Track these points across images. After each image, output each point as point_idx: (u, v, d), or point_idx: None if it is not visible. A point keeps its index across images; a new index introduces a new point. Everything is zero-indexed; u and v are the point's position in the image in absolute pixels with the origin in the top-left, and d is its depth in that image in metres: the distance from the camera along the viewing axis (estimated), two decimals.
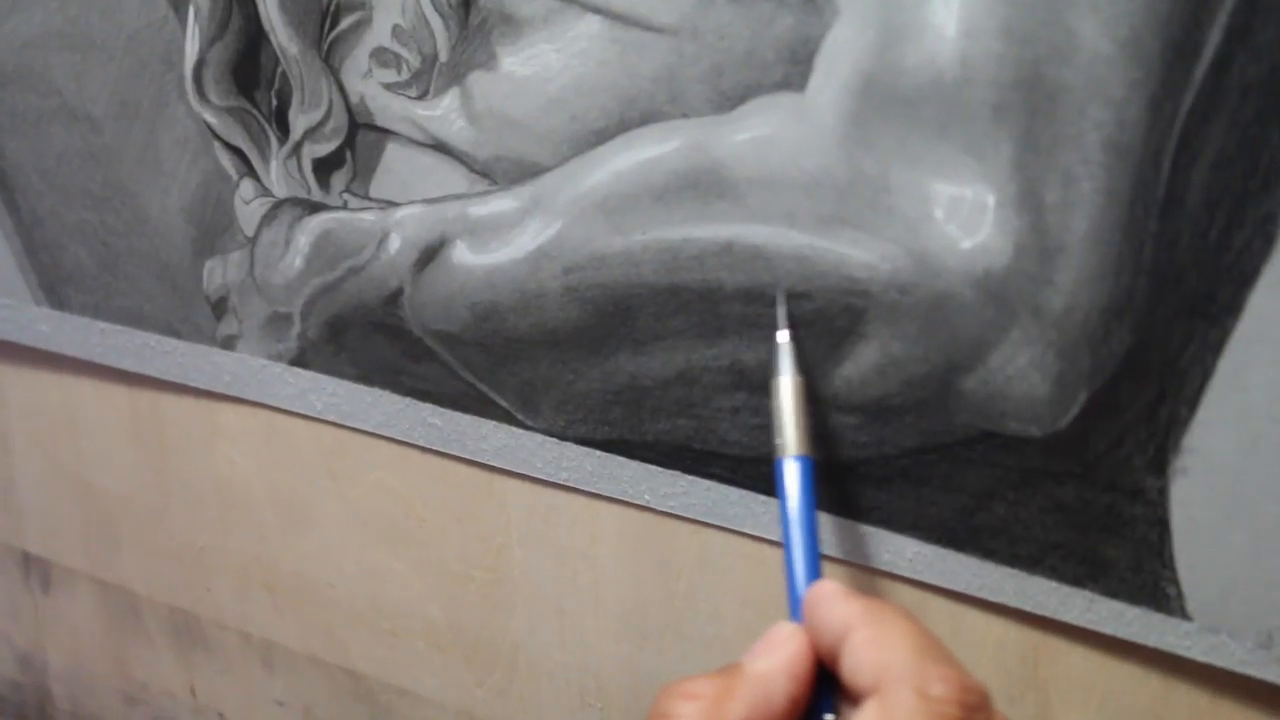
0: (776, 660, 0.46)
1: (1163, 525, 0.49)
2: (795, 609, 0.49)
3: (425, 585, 0.68)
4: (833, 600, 0.47)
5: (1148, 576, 0.50)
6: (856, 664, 0.44)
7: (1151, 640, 0.50)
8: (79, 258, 0.73)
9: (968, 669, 0.43)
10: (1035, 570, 0.52)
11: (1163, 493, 0.49)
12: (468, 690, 0.69)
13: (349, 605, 0.71)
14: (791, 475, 0.52)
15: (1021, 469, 0.51)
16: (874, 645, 0.44)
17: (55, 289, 0.75)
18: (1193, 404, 0.48)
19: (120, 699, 0.85)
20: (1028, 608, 0.53)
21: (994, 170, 0.48)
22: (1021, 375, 0.50)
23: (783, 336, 0.53)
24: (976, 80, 0.48)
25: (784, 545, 0.51)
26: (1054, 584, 0.52)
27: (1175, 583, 0.50)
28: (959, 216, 0.49)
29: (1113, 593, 0.51)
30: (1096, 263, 0.48)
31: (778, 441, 0.52)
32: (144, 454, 0.76)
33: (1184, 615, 0.50)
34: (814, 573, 0.50)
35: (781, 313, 0.53)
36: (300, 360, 0.67)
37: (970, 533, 0.53)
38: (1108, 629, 0.51)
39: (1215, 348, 0.47)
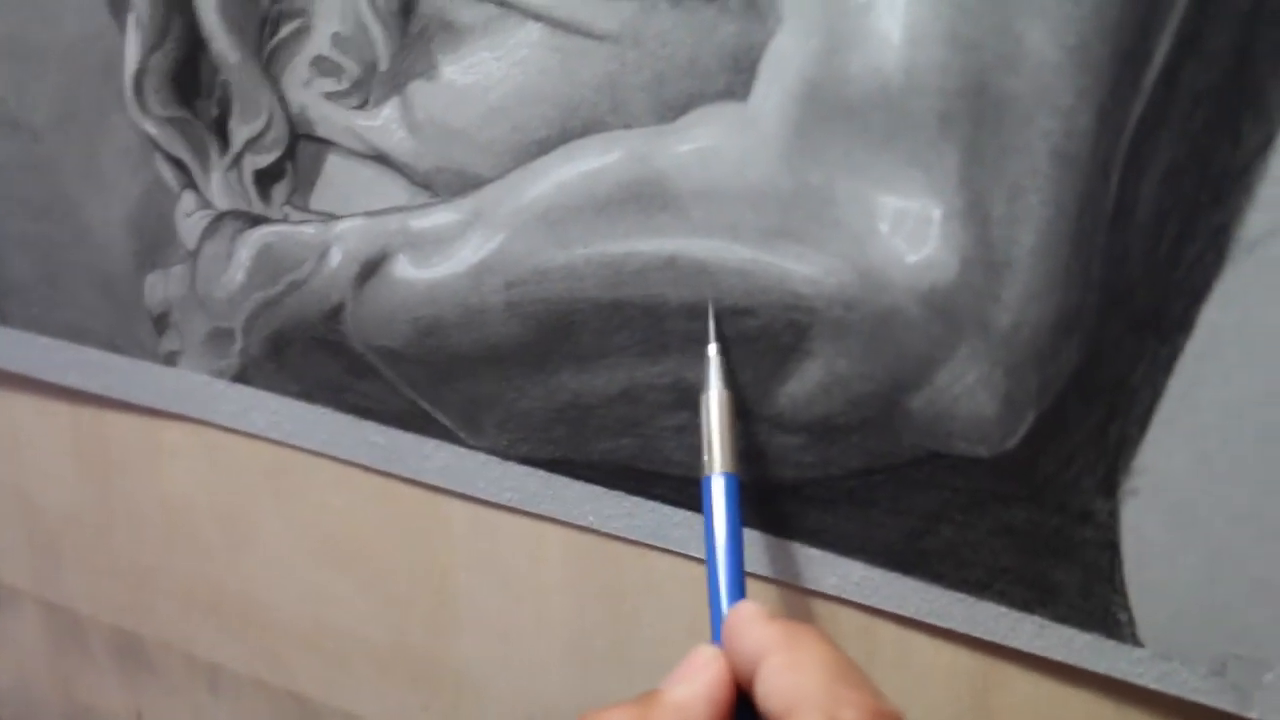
0: (696, 687, 0.44)
1: (1113, 548, 0.48)
2: (717, 631, 0.47)
3: (370, 607, 0.66)
4: (750, 623, 0.45)
5: (1098, 601, 0.48)
6: (769, 690, 0.42)
7: (1102, 667, 0.49)
8: (21, 270, 0.71)
9: (882, 694, 0.41)
10: (984, 595, 0.50)
11: (1113, 515, 0.47)
12: (413, 715, 0.67)
13: (294, 627, 0.69)
14: (717, 493, 0.50)
15: (970, 490, 0.50)
16: (787, 670, 0.42)
17: None
18: (1143, 423, 0.46)
19: None
20: (977, 633, 0.51)
21: (940, 182, 0.47)
22: (969, 394, 0.48)
23: (712, 350, 0.52)
24: (922, 88, 0.46)
25: (708, 566, 0.49)
26: (1003, 609, 0.50)
27: (1126, 608, 0.48)
28: (904, 230, 0.47)
29: (1062, 618, 0.49)
30: (1044, 277, 0.46)
31: (704, 459, 0.51)
32: (87, 471, 0.74)
33: (1135, 641, 0.48)
34: (736, 594, 0.48)
35: (711, 325, 0.52)
36: (242, 377, 0.65)
37: (918, 556, 0.51)
38: (1057, 655, 0.49)
39: (1166, 365, 0.45)
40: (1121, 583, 0.48)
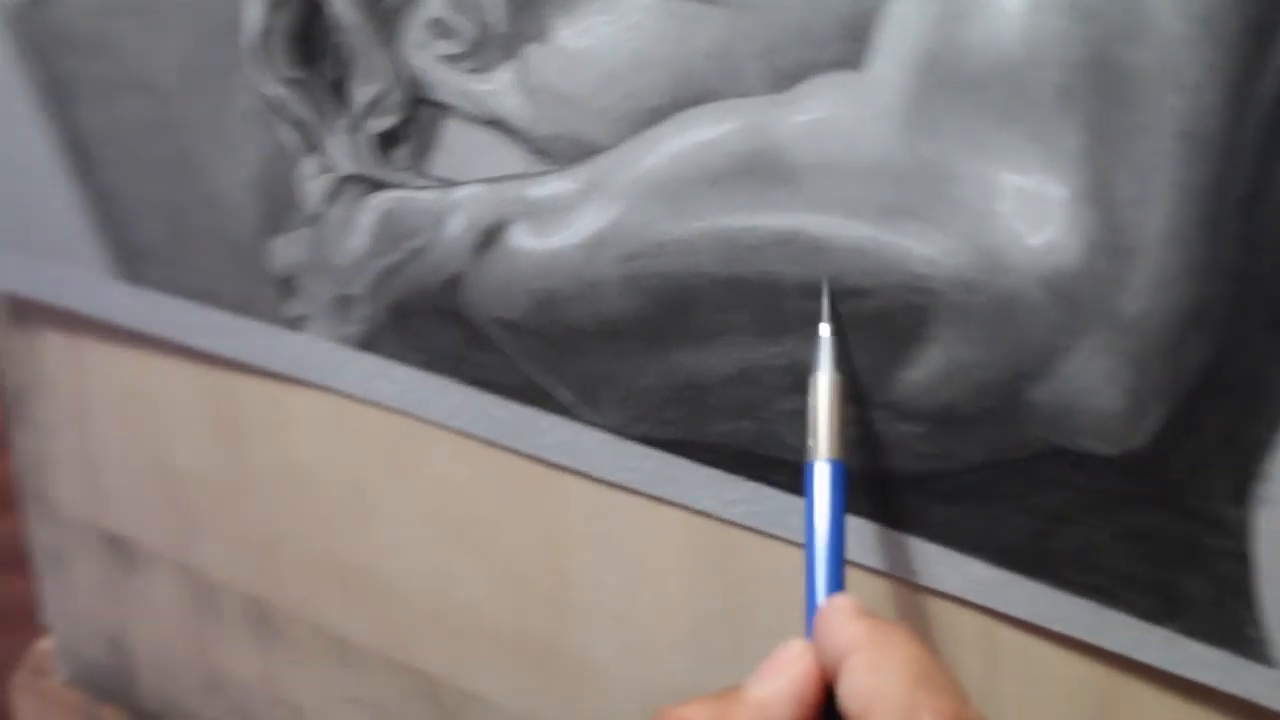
0: (780, 684, 0.45)
1: (1244, 560, 0.47)
2: (811, 625, 0.48)
3: (490, 586, 0.68)
4: (839, 618, 0.45)
5: (1229, 616, 0.48)
6: (850, 690, 0.43)
7: (1232, 687, 0.48)
8: (153, 232, 0.74)
9: (967, 700, 0.42)
10: (1111, 603, 0.50)
11: (1244, 524, 0.47)
12: (533, 698, 0.69)
13: (417, 602, 0.72)
14: (820, 480, 0.50)
15: (1096, 491, 0.49)
16: (869, 670, 0.43)
17: (131, 263, 0.76)
18: (1275, 426, 0.45)
19: (201, 687, 0.86)
20: (1103, 643, 0.51)
21: (1062, 160, 0.46)
22: (1094, 387, 0.48)
23: (824, 330, 0.52)
24: (1041, 60, 0.46)
25: (806, 555, 0.49)
26: (1130, 619, 0.50)
27: (1258, 624, 0.47)
28: (1025, 210, 0.47)
29: (1191, 632, 0.49)
30: (1173, 265, 0.45)
31: (809, 443, 0.51)
32: (220, 436, 0.77)
33: (1268, 661, 0.47)
34: (833, 587, 0.49)
35: (825, 304, 0.52)
36: (367, 344, 0.68)
37: (1042, 558, 0.51)
38: (1187, 671, 0.49)
39: None
40: (1253, 597, 0.47)
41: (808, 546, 0.50)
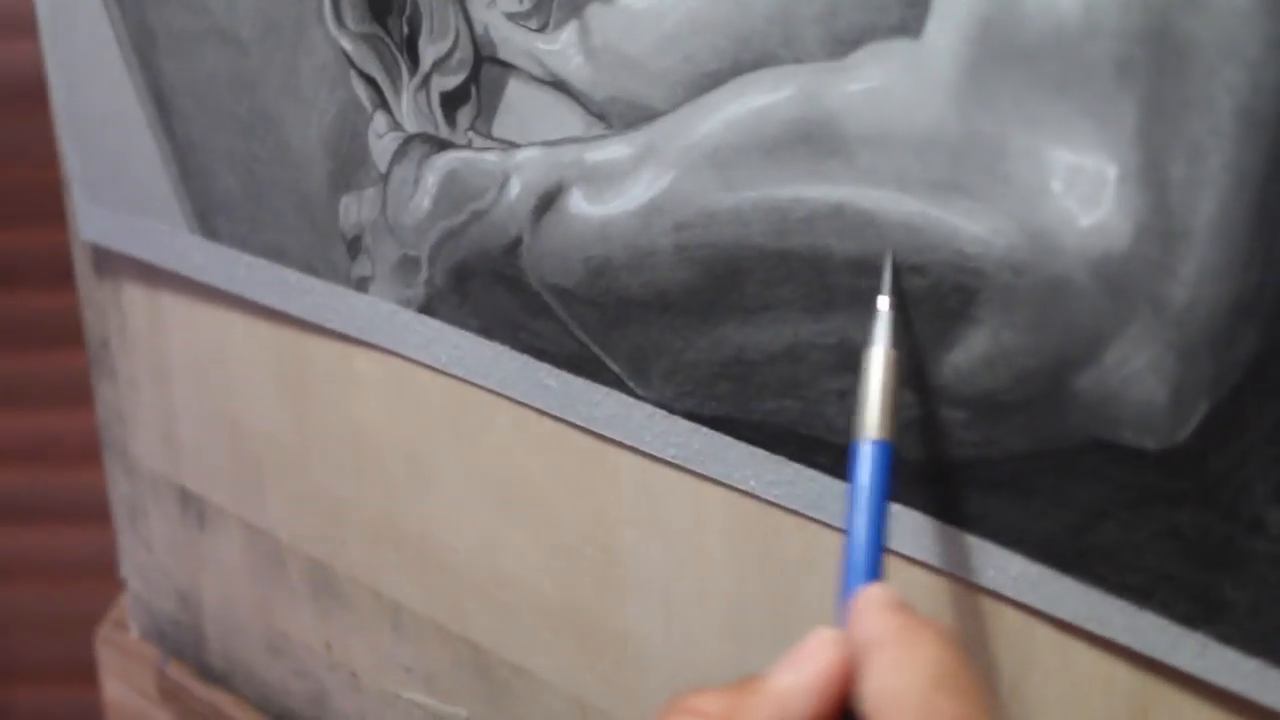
0: (803, 675, 0.44)
1: None
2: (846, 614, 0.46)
3: (540, 558, 0.68)
4: (872, 610, 0.44)
5: (1267, 624, 0.46)
6: (869, 686, 0.42)
7: (1268, 698, 0.46)
8: (228, 186, 0.75)
9: (987, 709, 0.40)
10: (1146, 604, 0.48)
11: None
12: (579, 675, 0.68)
13: (469, 572, 0.72)
14: (864, 461, 0.49)
15: (1136, 486, 0.47)
16: (889, 668, 0.42)
17: (207, 217, 0.77)
18: None
19: (265, 648, 0.87)
20: (1137, 646, 0.49)
21: (1116, 137, 0.45)
22: (1138, 378, 0.46)
23: (883, 302, 0.51)
24: (1099, 30, 0.44)
25: (846, 540, 0.48)
26: (1165, 622, 0.48)
27: None
28: (1078, 190, 0.46)
29: (1228, 638, 0.47)
30: (1224, 253, 0.44)
31: (856, 421, 0.50)
32: (287, 394, 0.78)
33: None
34: (870, 575, 0.48)
35: (887, 276, 0.51)
36: (427, 308, 0.68)
37: (1079, 554, 0.50)
38: (1221, 680, 0.47)
39: None
40: None
41: (848, 530, 0.49)
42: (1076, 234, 0.46)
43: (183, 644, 0.94)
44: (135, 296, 0.85)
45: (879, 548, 0.48)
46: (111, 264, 0.85)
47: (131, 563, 0.95)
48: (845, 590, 0.47)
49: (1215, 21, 0.42)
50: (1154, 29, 0.43)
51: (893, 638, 0.42)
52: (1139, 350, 0.46)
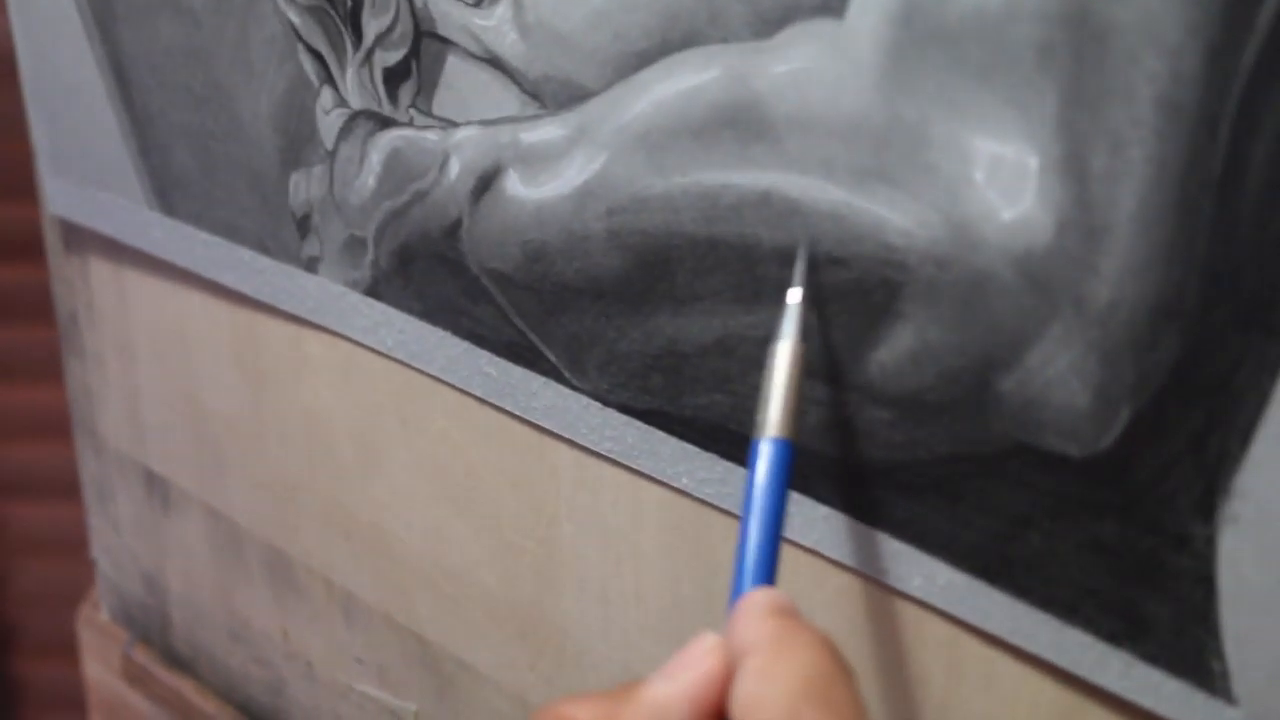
0: (680, 684, 0.42)
1: (1209, 583, 0.43)
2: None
3: (483, 550, 0.67)
4: (752, 614, 0.42)
5: (1190, 644, 0.44)
6: (737, 693, 0.40)
7: None
8: (184, 161, 0.74)
9: None
10: (1071, 619, 0.46)
11: (1210, 543, 0.43)
12: (521, 673, 0.67)
13: (416, 563, 0.70)
14: (762, 461, 0.47)
15: (1059, 494, 0.46)
16: (757, 676, 0.40)
17: (165, 193, 0.76)
18: (1245, 437, 0.41)
19: (226, 634, 0.86)
20: (1062, 663, 0.47)
21: (1037, 126, 0.43)
22: (1061, 380, 0.44)
23: (793, 295, 0.49)
24: (1020, 13, 0.42)
25: (739, 541, 0.47)
26: (1091, 639, 0.46)
27: (1220, 656, 0.43)
28: (1000, 180, 0.44)
29: (1152, 658, 0.45)
30: (1145, 249, 0.42)
31: (757, 418, 0.48)
32: (244, 376, 0.77)
33: (1228, 697, 0.43)
34: (762, 578, 0.46)
35: (799, 268, 0.49)
36: (373, 290, 0.66)
37: (1005, 565, 0.48)
38: (1145, 701, 0.45)
39: (1273, 367, 0.40)
40: (1216, 625, 0.43)
41: (740, 531, 0.47)
42: (999, 227, 0.44)
43: (150, 627, 0.93)
44: (102, 272, 0.84)
45: (772, 551, 0.46)
46: (79, 239, 0.84)
47: (101, 543, 0.95)
48: (734, 594, 0.46)
49: (1135, 6, 0.40)
50: (1074, 13, 0.41)
51: (765, 643, 0.41)
52: (1061, 351, 0.44)
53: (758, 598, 0.43)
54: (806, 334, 0.49)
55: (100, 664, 0.99)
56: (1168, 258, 0.41)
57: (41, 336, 1.47)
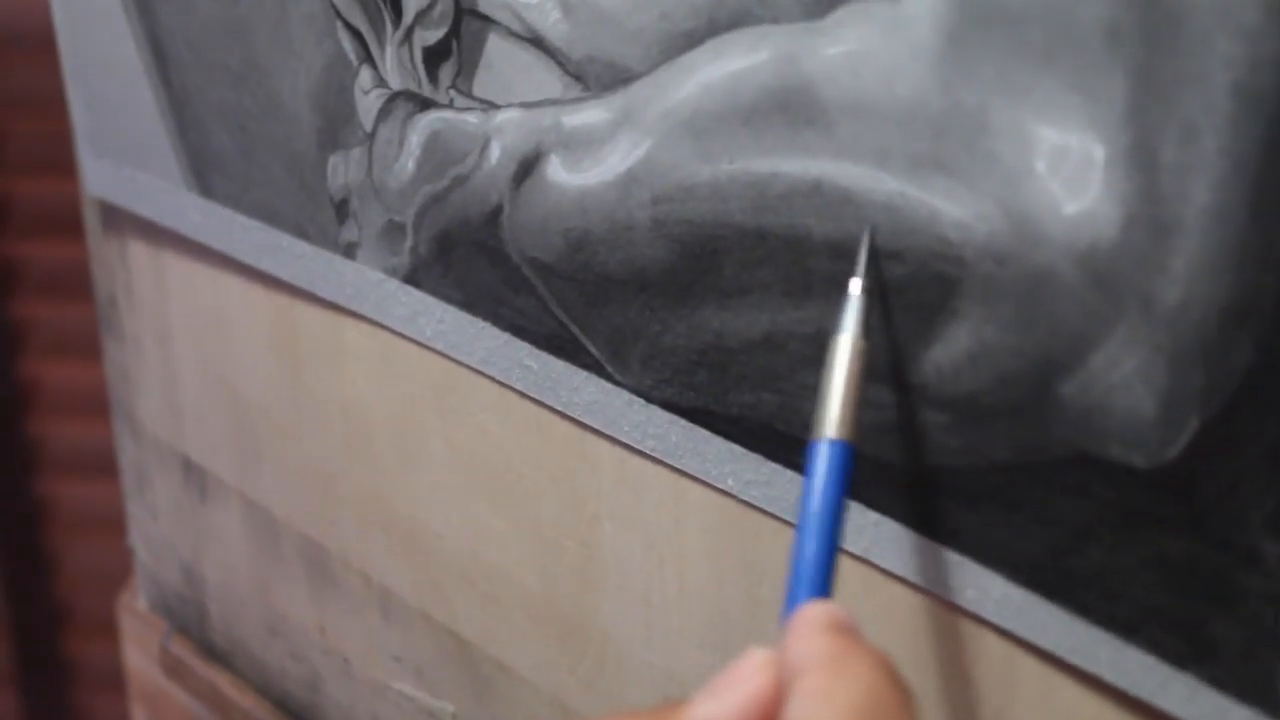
0: (728, 703, 0.40)
1: None
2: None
3: (522, 549, 0.65)
4: (808, 630, 0.40)
5: (1260, 668, 0.42)
6: (790, 717, 0.38)
7: None
8: (222, 141, 0.73)
9: None
10: (1133, 639, 0.44)
11: None
12: (560, 676, 0.65)
13: (455, 561, 0.69)
14: (821, 464, 0.45)
15: (1122, 506, 0.43)
16: (813, 698, 0.38)
17: (203, 174, 0.75)
18: None
19: (263, 628, 0.85)
20: (1123, 684, 0.45)
21: (1104, 114, 0.41)
22: (1125, 386, 0.42)
23: (855, 286, 0.47)
24: None
25: (794, 549, 0.45)
26: (1154, 660, 0.44)
27: None
28: (1063, 172, 0.42)
29: (1219, 682, 0.43)
30: (1218, 248, 0.39)
31: (815, 417, 0.46)
32: (281, 364, 0.75)
33: None
34: (818, 589, 0.44)
35: (862, 256, 0.46)
36: (412, 278, 0.65)
37: (1063, 579, 0.46)
38: None
39: None
40: None
41: (796, 539, 0.45)
42: (1062, 222, 0.42)
43: (187, 619, 0.92)
44: (140, 254, 0.83)
45: (829, 561, 0.44)
46: (118, 221, 0.83)
47: (139, 531, 0.94)
48: (788, 606, 0.44)
49: None
50: None
51: (822, 663, 0.39)
52: (1127, 354, 0.42)
53: (815, 612, 0.41)
54: (869, 329, 0.47)
55: (140, 652, 0.98)
56: (1242, 257, 0.39)
57: (91, 314, 1.47)
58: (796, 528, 0.45)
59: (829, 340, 0.47)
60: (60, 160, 1.08)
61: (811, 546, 0.44)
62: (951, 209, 0.44)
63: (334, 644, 0.79)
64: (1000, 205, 0.43)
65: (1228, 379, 0.40)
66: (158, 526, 0.91)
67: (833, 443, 0.45)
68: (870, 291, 0.47)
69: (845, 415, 0.46)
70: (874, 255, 0.47)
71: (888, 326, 0.47)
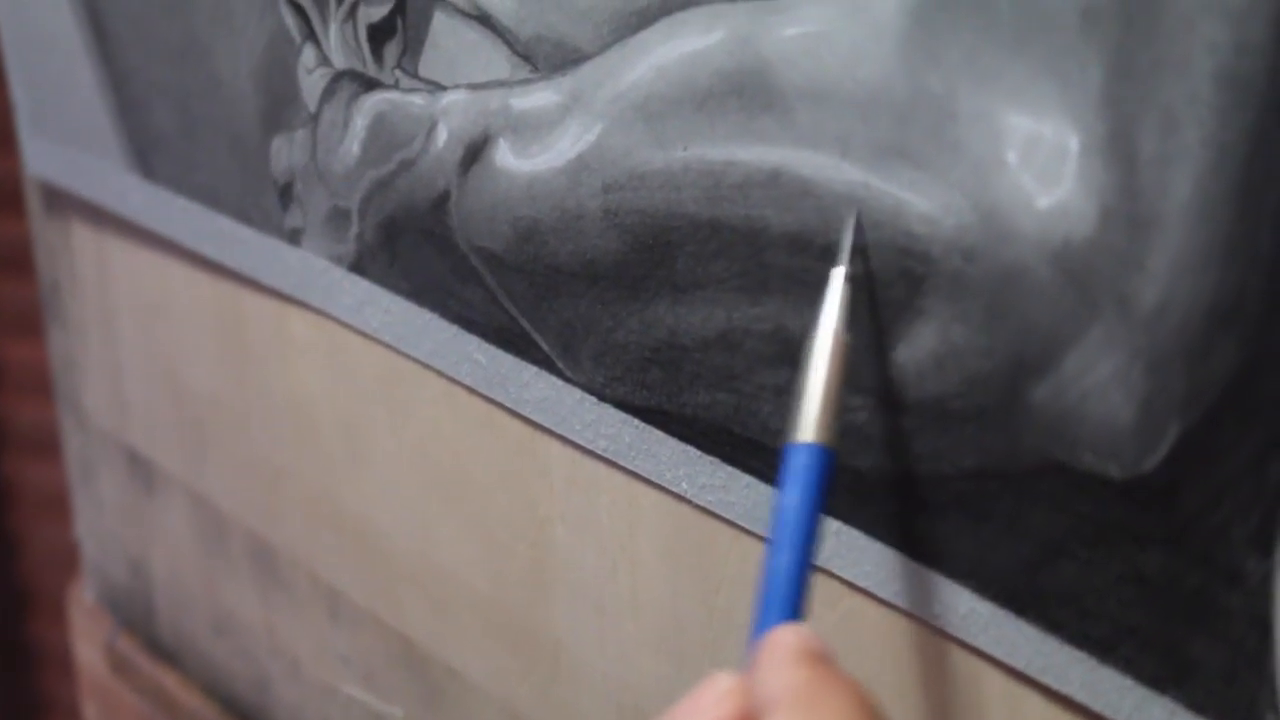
0: None
1: (1264, 626, 0.38)
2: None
3: (473, 551, 0.62)
4: (780, 659, 0.38)
5: (1242, 693, 0.39)
6: None
7: None
8: (163, 120, 0.70)
9: None
10: (1108, 659, 0.42)
11: (1266, 580, 0.38)
12: (512, 684, 0.63)
13: (404, 561, 0.66)
14: (797, 472, 0.42)
15: (1096, 520, 0.41)
16: None
17: (144, 155, 0.72)
18: None
19: (211, 626, 0.82)
20: (1096, 706, 0.42)
21: (1079, 101, 0.38)
22: (1101, 391, 0.39)
23: (838, 275, 0.43)
24: None
25: (765, 564, 0.42)
26: (1129, 681, 0.41)
27: (1275, 707, 0.39)
28: (1036, 163, 0.39)
29: (1198, 706, 0.40)
30: (1200, 245, 0.37)
31: (793, 418, 0.43)
32: (226, 354, 0.72)
33: None
34: (790, 611, 0.41)
35: (847, 241, 0.43)
36: (358, 266, 0.62)
37: (1034, 595, 0.43)
38: None
39: None
40: (1272, 673, 0.38)
41: (768, 554, 0.42)
42: (1034, 216, 0.39)
43: (135, 615, 0.89)
44: (84, 238, 0.80)
45: (803, 578, 0.41)
46: (61, 203, 0.80)
47: (85, 523, 0.91)
48: (758, 626, 0.41)
49: None
50: None
51: (795, 698, 0.36)
52: (1102, 357, 0.39)
53: (787, 638, 0.38)
54: (851, 323, 0.44)
55: (90, 647, 0.95)
56: (1226, 255, 0.36)
57: None
58: (768, 539, 0.42)
59: (793, 347, 0.44)
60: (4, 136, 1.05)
61: (785, 561, 0.41)
62: (918, 201, 0.42)
63: (282, 644, 0.77)
64: (969, 198, 0.41)
65: (1210, 385, 0.38)
66: (104, 519, 0.88)
67: (812, 447, 0.42)
68: (854, 280, 0.44)
69: (826, 417, 0.43)
70: (859, 236, 0.43)
71: (873, 320, 0.44)
